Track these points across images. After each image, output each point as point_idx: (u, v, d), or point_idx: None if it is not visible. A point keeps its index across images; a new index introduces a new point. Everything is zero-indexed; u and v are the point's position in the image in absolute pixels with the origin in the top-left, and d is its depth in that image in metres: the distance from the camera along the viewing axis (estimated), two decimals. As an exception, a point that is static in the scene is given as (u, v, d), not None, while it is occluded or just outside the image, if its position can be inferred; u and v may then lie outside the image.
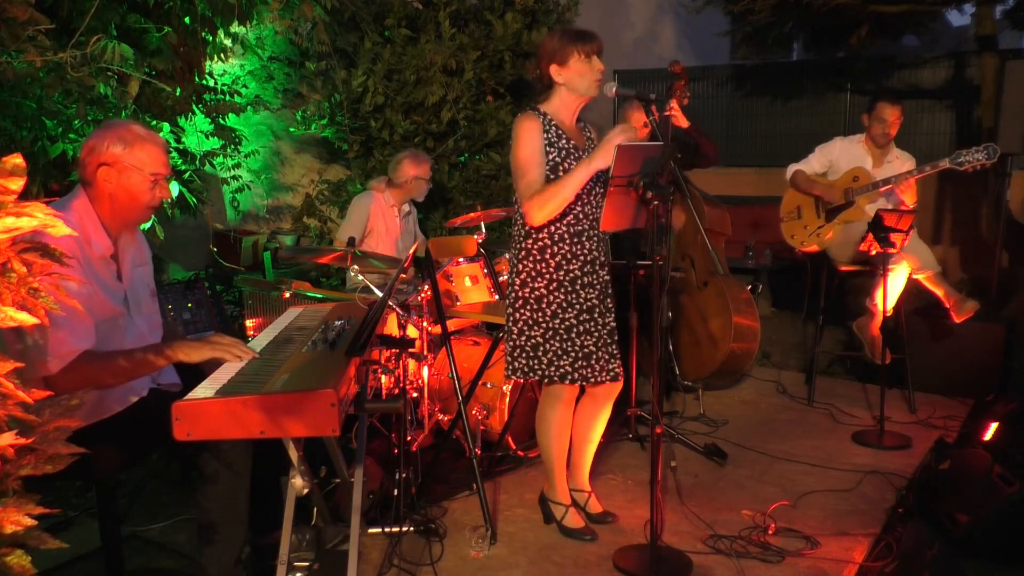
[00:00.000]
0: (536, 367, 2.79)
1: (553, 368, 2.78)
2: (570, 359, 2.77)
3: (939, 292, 4.27)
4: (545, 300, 2.76)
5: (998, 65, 6.24)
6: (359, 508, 2.30)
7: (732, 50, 10.94)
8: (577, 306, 2.78)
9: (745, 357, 4.33)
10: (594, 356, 2.81)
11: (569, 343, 2.77)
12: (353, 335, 2.12)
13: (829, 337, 5.13)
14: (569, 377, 2.78)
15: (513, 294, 2.82)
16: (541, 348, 2.78)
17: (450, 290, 3.76)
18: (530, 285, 2.77)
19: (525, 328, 2.79)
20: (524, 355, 2.81)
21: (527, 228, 2.77)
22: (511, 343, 2.83)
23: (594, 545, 2.89)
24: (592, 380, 2.82)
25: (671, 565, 2.70)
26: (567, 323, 2.76)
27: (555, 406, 2.88)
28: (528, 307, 2.78)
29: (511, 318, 2.82)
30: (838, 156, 4.43)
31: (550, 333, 2.77)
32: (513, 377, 2.86)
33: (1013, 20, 7.42)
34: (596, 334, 2.82)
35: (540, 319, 2.77)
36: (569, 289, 2.77)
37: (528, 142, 2.69)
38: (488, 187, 6.07)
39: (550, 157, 2.72)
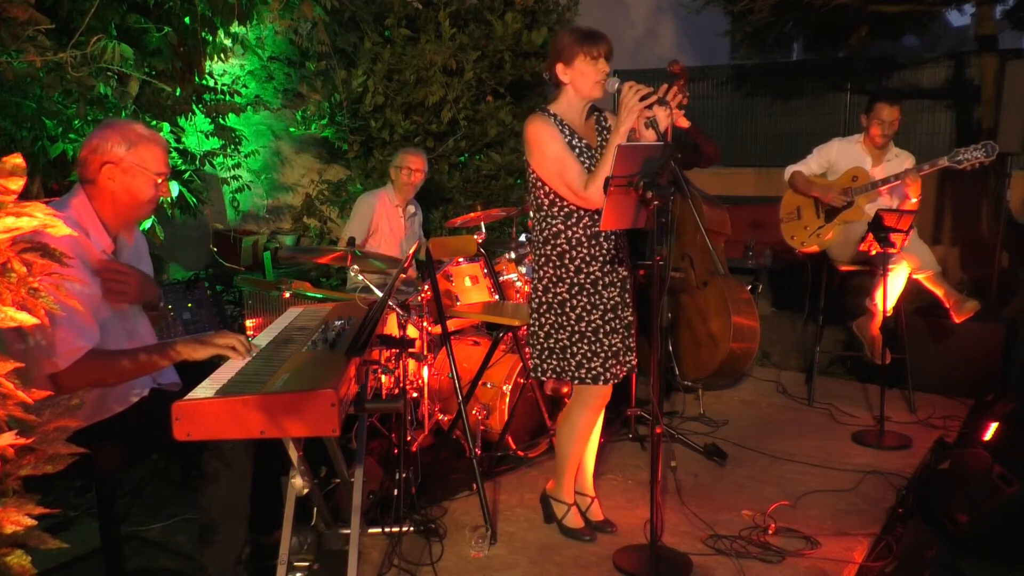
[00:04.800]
0: (567, 368, 2.78)
1: (584, 371, 2.77)
2: (600, 360, 2.76)
3: (939, 292, 4.27)
4: (568, 304, 2.75)
5: (998, 65, 6.25)
6: (359, 508, 2.31)
7: (732, 50, 10.94)
8: (601, 307, 2.77)
9: (745, 357, 4.33)
10: (621, 353, 2.82)
11: (597, 344, 2.76)
12: (353, 335, 2.12)
13: (829, 337, 5.13)
14: (602, 378, 2.77)
15: (536, 299, 2.81)
16: (569, 351, 2.77)
17: (450, 290, 3.76)
18: (552, 290, 2.77)
19: (552, 331, 2.78)
20: (554, 357, 2.79)
21: (545, 234, 2.76)
22: (538, 346, 2.82)
23: (594, 545, 2.89)
24: (619, 377, 2.83)
25: (671, 565, 2.70)
26: (593, 325, 2.76)
27: (583, 411, 2.86)
28: (552, 312, 2.77)
29: (536, 322, 2.82)
30: (836, 157, 4.42)
31: (576, 336, 2.76)
32: (543, 378, 2.85)
33: (1013, 20, 7.43)
34: (621, 332, 2.82)
35: (565, 323, 2.76)
36: (591, 291, 2.75)
37: (551, 139, 2.67)
38: (488, 187, 6.08)
39: None
